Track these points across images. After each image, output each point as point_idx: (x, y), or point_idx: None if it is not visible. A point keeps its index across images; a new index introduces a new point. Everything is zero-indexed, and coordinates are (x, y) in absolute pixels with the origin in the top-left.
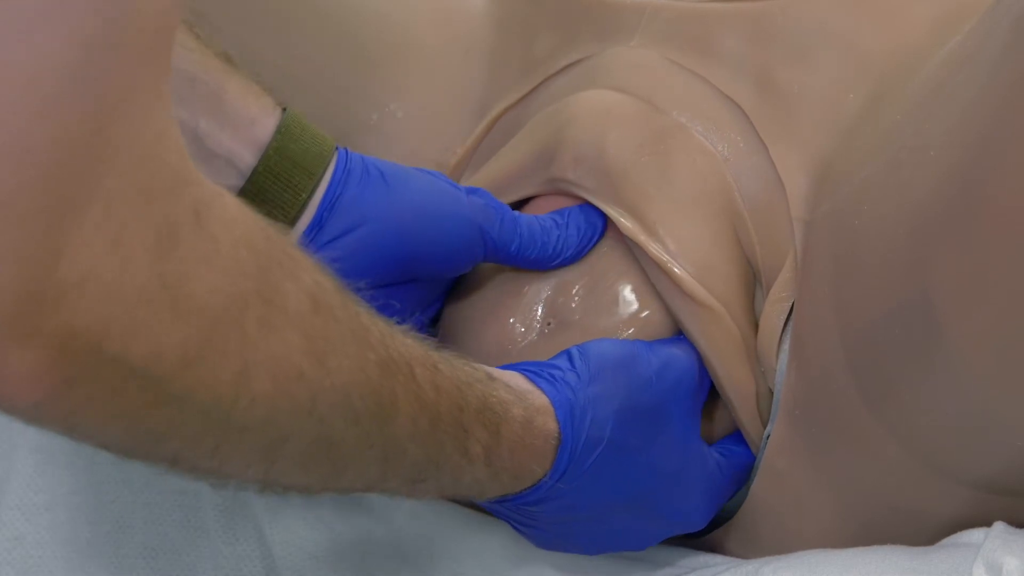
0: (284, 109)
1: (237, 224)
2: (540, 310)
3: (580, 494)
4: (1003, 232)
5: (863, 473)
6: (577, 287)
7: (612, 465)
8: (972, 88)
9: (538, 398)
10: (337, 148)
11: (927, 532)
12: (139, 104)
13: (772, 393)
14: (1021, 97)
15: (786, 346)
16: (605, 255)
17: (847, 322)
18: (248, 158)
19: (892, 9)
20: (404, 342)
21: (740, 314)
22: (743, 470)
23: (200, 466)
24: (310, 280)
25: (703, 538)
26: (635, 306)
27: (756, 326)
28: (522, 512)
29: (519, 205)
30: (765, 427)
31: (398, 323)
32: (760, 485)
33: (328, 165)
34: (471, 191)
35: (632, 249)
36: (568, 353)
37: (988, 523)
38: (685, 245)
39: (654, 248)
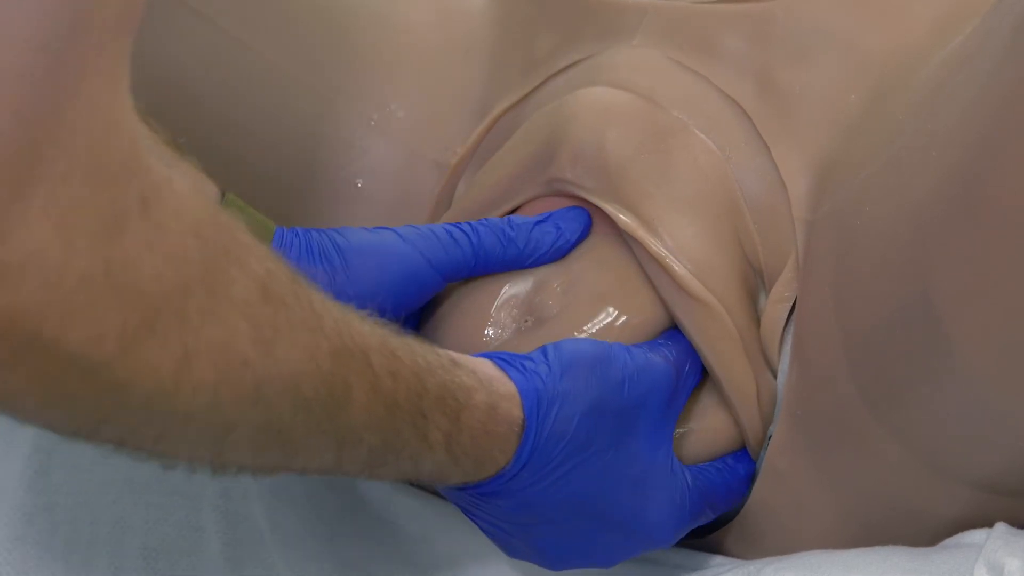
0: (224, 194)
1: (186, 212)
2: (518, 307)
3: (542, 491)
4: (1004, 232)
5: (865, 473)
6: (556, 285)
7: (575, 463)
8: (973, 88)
9: (505, 385)
10: (277, 228)
11: (928, 533)
12: (97, 88)
13: (773, 393)
14: (1022, 97)
15: (787, 347)
16: (587, 254)
17: (848, 322)
18: None
19: (893, 9)
20: (361, 330)
21: (740, 313)
22: (724, 489)
23: (146, 449)
24: (260, 268)
25: (704, 539)
26: (615, 306)
27: (758, 326)
28: (486, 507)
29: (519, 209)
30: (766, 428)
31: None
32: (761, 485)
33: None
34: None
35: (631, 246)
36: (544, 348)
37: (990, 524)
38: (684, 242)
39: (652, 244)
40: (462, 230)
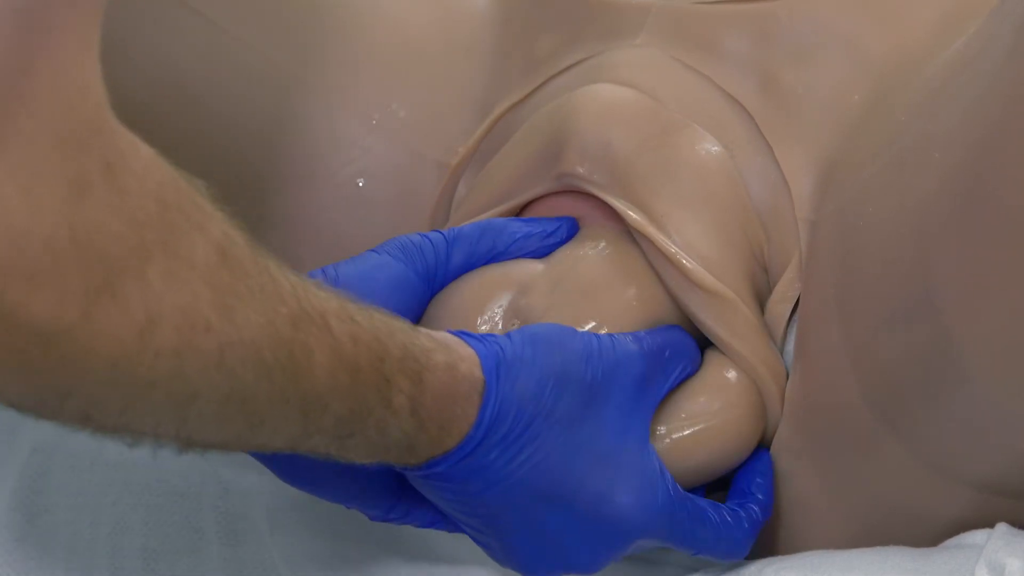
0: None
1: (148, 175)
2: (505, 307)
3: (507, 463)
4: (1006, 233)
5: (866, 474)
6: (542, 284)
7: (539, 432)
8: (976, 89)
9: (464, 348)
10: None
11: (930, 533)
12: (67, 50)
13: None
14: None
15: (790, 347)
16: (572, 253)
17: (851, 323)
18: None
19: (896, 10)
20: (318, 295)
21: (751, 309)
22: (714, 524)
23: (110, 424)
24: (219, 233)
25: None
26: (601, 305)
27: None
28: (458, 495)
29: (527, 206)
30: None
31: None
32: None
33: None
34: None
35: (640, 243)
36: (509, 332)
37: (991, 524)
38: (692, 239)
39: (663, 241)
40: (440, 233)
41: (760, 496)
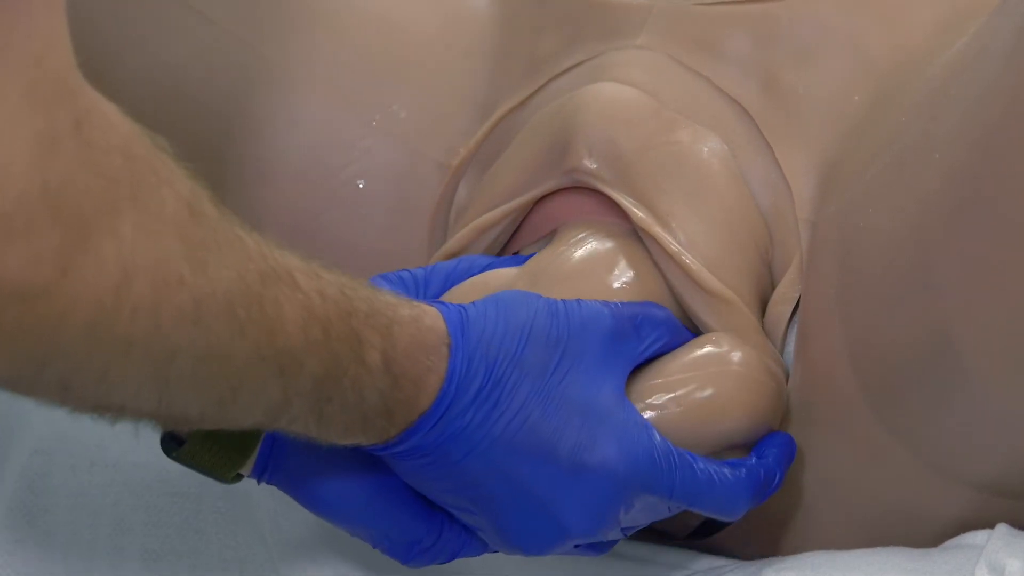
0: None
1: (114, 130)
2: None
3: (483, 419)
4: (1007, 234)
5: (866, 474)
6: (521, 283)
7: (513, 385)
8: (976, 89)
9: (426, 305)
10: None
11: (930, 533)
12: (36, 7)
13: None
14: None
15: (790, 347)
16: (550, 252)
17: (851, 324)
18: None
19: (897, 11)
20: (283, 253)
21: (751, 312)
22: (707, 476)
23: (90, 394)
24: (186, 188)
25: (706, 540)
26: (580, 290)
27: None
28: (440, 467)
29: (535, 207)
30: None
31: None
32: None
33: None
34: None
35: (645, 241)
36: None
37: (991, 525)
38: (696, 238)
39: (666, 239)
40: (415, 270)
41: (768, 460)
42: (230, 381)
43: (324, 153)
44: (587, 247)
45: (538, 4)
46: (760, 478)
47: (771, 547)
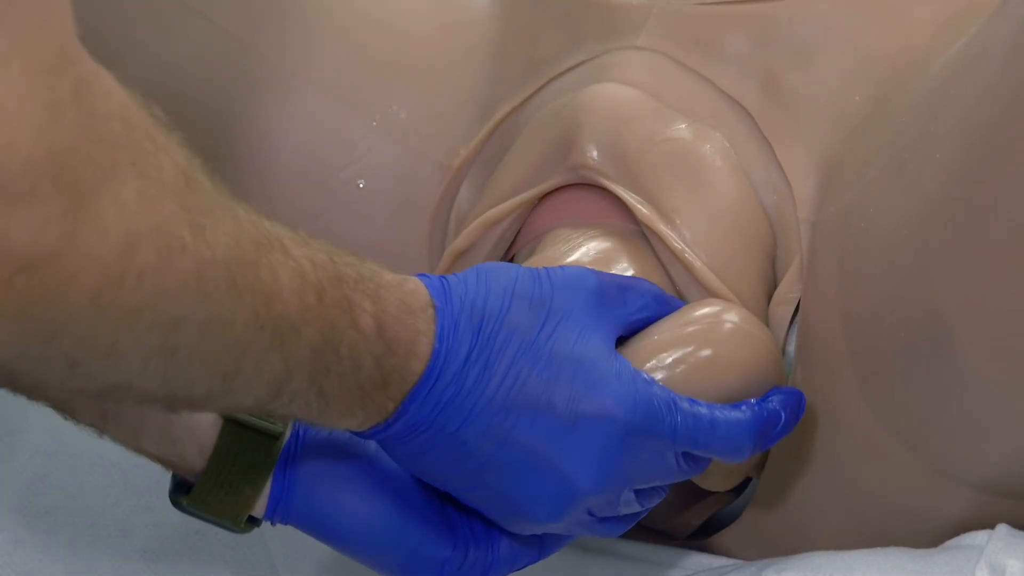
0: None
1: (114, 98)
2: None
3: (476, 380)
4: (1007, 235)
5: (867, 474)
6: None
7: (502, 347)
8: (977, 89)
9: (406, 274)
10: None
11: (930, 534)
12: None
13: None
14: None
15: (791, 347)
16: (540, 256)
17: (852, 324)
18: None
19: (897, 11)
20: (271, 223)
21: (756, 310)
22: (710, 417)
23: (96, 370)
24: (181, 156)
25: (707, 540)
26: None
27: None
28: (440, 441)
29: (539, 204)
30: None
31: None
32: (764, 485)
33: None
34: None
35: (649, 237)
36: None
37: (991, 525)
38: (701, 237)
39: (670, 237)
40: None
41: (771, 403)
42: (232, 352)
43: (324, 153)
44: (587, 247)
45: (538, 4)
46: (764, 417)
47: (771, 547)
